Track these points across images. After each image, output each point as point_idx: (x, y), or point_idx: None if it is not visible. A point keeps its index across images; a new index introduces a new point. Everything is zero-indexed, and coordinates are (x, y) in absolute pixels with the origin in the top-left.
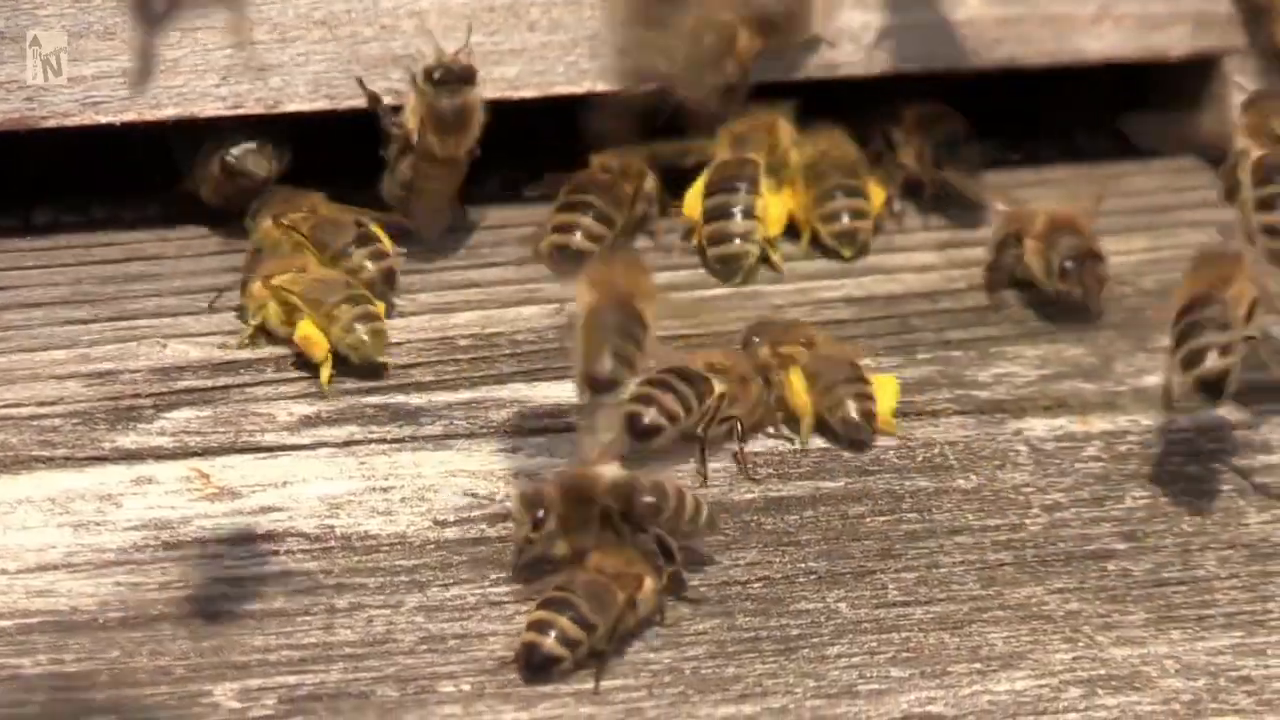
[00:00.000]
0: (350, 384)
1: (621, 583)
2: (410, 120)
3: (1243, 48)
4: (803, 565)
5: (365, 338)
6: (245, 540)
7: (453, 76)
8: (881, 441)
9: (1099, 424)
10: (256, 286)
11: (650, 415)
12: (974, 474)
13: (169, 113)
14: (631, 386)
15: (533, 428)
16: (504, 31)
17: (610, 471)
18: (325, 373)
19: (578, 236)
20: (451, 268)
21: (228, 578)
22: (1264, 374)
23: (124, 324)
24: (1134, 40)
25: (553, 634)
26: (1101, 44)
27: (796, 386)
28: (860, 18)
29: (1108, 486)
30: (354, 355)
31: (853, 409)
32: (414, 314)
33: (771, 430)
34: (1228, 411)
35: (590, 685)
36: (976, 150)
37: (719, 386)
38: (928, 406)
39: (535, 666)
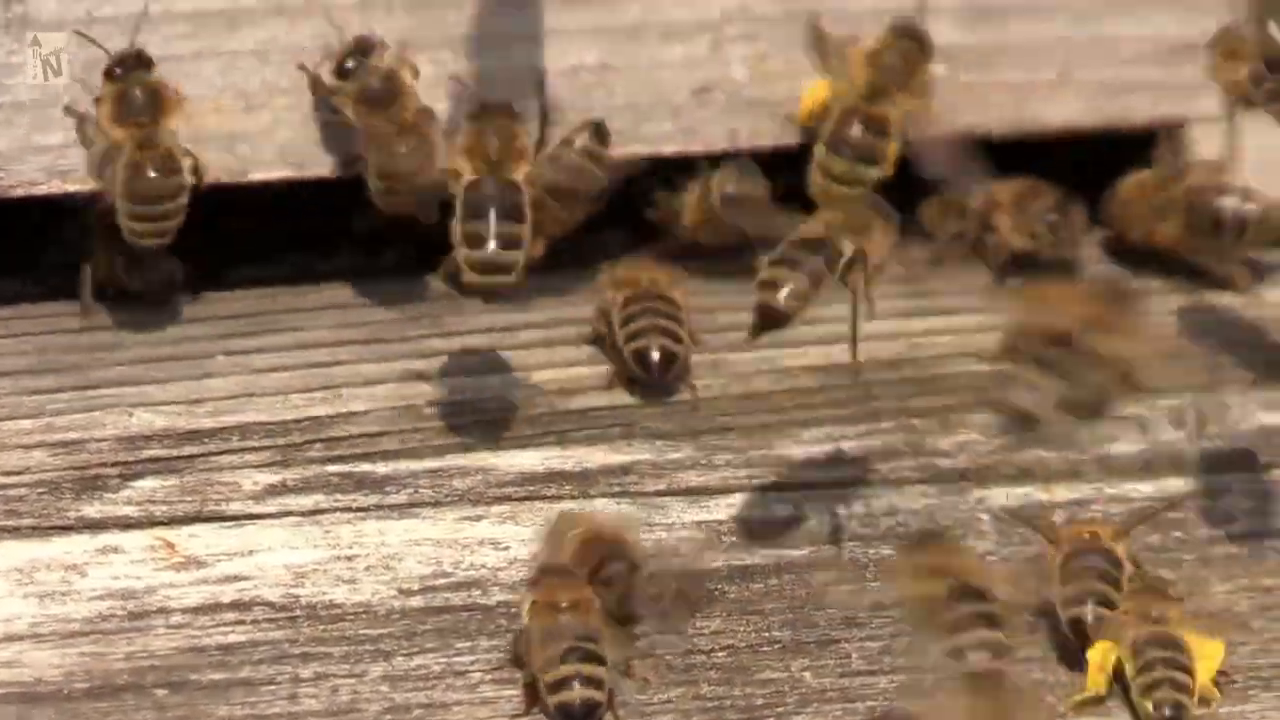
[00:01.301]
0: (315, 452)
1: (579, 609)
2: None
3: (1205, 115)
4: (767, 634)
5: None
6: (211, 609)
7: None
8: (844, 509)
9: (1063, 492)
10: None
11: None
12: None
13: None
14: None
15: (497, 496)
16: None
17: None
18: None
19: None
20: (416, 336)
21: (193, 647)
22: (1226, 444)
23: (89, 393)
24: (1095, 108)
25: (576, 684)
26: (1062, 112)
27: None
28: None
29: None
30: None
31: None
32: (379, 381)
33: None
34: (1190, 481)
35: None
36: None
37: None
38: (890, 475)
39: (581, 717)
